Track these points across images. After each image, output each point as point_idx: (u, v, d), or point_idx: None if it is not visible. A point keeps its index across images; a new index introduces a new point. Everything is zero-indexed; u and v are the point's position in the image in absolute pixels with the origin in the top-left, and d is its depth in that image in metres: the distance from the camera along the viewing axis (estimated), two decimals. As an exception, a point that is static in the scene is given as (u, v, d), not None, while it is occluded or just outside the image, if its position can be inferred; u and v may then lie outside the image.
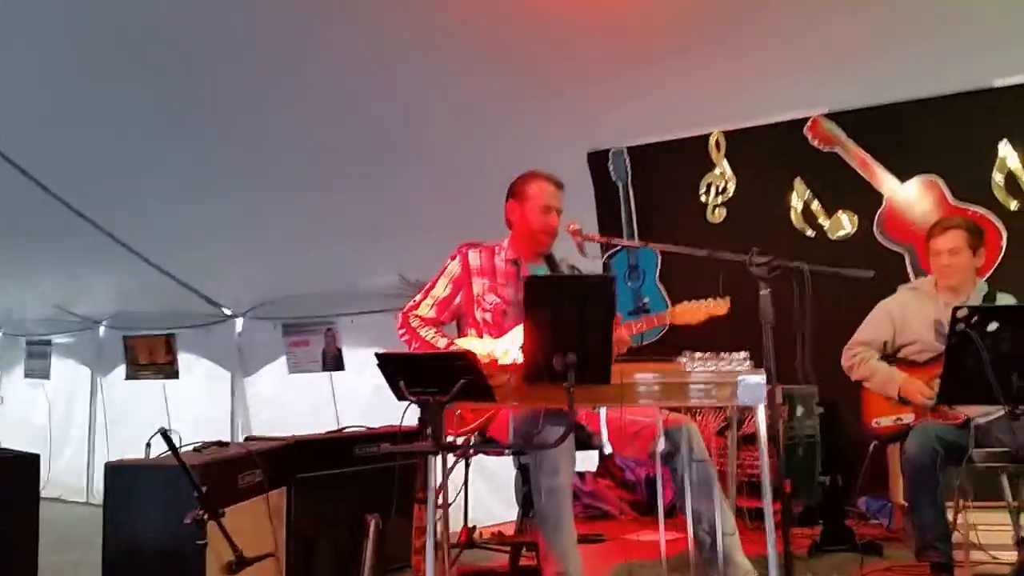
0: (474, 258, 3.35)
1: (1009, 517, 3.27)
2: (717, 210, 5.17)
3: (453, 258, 3.40)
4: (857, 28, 4.49)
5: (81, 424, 8.61)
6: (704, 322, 2.94)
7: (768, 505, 2.47)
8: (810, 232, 4.91)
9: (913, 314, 3.64)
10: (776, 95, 4.91)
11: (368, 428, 3.68)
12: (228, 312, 7.90)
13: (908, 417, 3.48)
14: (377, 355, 2.50)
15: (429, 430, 2.48)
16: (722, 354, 2.55)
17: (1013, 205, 4.38)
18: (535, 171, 3.40)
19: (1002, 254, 4.35)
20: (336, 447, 3.46)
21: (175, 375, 8.25)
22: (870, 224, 4.77)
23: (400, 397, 2.52)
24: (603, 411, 2.81)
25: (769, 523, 2.45)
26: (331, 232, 6.70)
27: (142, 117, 5.67)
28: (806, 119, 4.93)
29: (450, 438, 3.13)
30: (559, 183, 3.35)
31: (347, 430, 3.65)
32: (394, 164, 5.90)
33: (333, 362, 7.69)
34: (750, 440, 4.29)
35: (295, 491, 3.26)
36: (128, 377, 8.33)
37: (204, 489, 2.52)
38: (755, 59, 4.73)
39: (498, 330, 3.22)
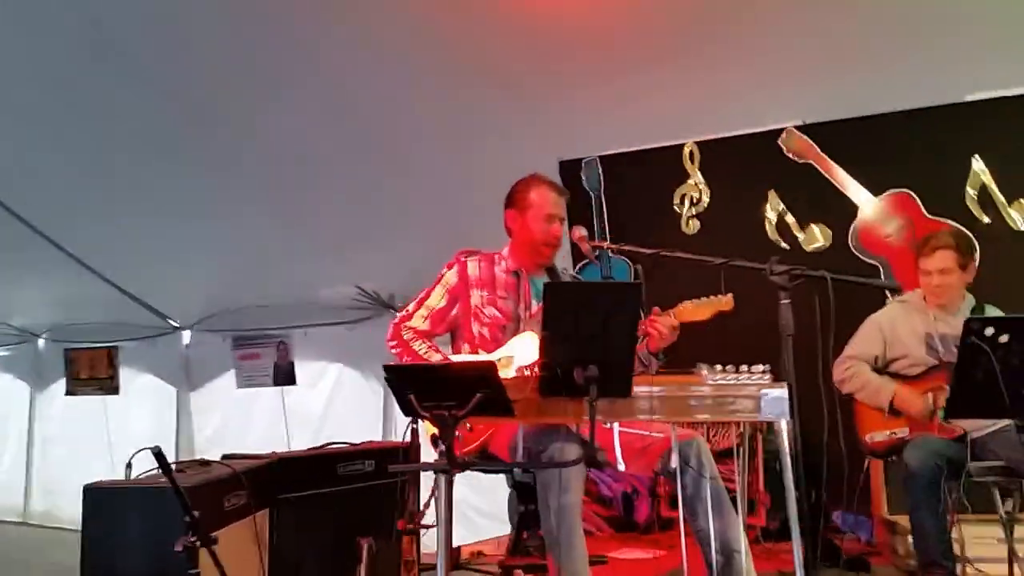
0: (472, 267, 3.20)
1: (999, 530, 3.29)
2: (691, 221, 5.13)
3: (450, 267, 3.23)
4: (831, 42, 4.52)
5: (17, 441, 8.18)
6: (711, 319, 2.85)
7: (795, 523, 2.39)
8: (784, 244, 4.90)
9: (903, 328, 3.63)
10: (750, 107, 4.91)
11: (350, 445, 3.50)
12: (175, 324, 7.60)
13: (902, 431, 3.47)
14: (385, 367, 2.35)
15: (442, 447, 2.34)
16: (741, 366, 2.48)
17: (986, 219, 4.43)
18: (535, 176, 3.25)
19: (976, 267, 4.38)
20: (319, 465, 3.27)
21: (115, 390, 7.90)
22: (844, 236, 4.78)
23: (409, 412, 2.38)
24: (616, 426, 2.71)
25: (796, 542, 2.37)
26: (286, 242, 6.50)
27: (85, 121, 5.43)
28: (780, 131, 4.93)
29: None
30: (561, 189, 3.22)
31: (329, 447, 3.46)
32: (356, 173, 5.74)
33: (285, 376, 7.46)
34: (726, 455, 4.28)
35: (278, 512, 3.07)
36: (68, 392, 7.94)
37: (197, 514, 2.33)
38: (729, 71, 4.72)
39: (495, 346, 3.08)
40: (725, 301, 2.80)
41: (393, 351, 3.17)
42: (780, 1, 4.46)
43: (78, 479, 7.94)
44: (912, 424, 3.46)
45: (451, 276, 3.20)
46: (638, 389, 2.39)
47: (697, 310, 2.82)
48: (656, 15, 4.63)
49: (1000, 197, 4.41)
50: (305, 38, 4.80)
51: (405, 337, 3.14)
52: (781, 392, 2.41)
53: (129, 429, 7.71)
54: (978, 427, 3.30)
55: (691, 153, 5.16)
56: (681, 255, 2.95)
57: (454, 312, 3.17)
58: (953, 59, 4.39)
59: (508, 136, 5.22)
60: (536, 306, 3.16)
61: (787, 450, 2.42)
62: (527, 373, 2.93)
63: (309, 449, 3.43)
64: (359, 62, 4.91)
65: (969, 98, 4.50)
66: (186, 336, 7.61)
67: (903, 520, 3.72)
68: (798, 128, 4.91)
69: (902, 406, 3.47)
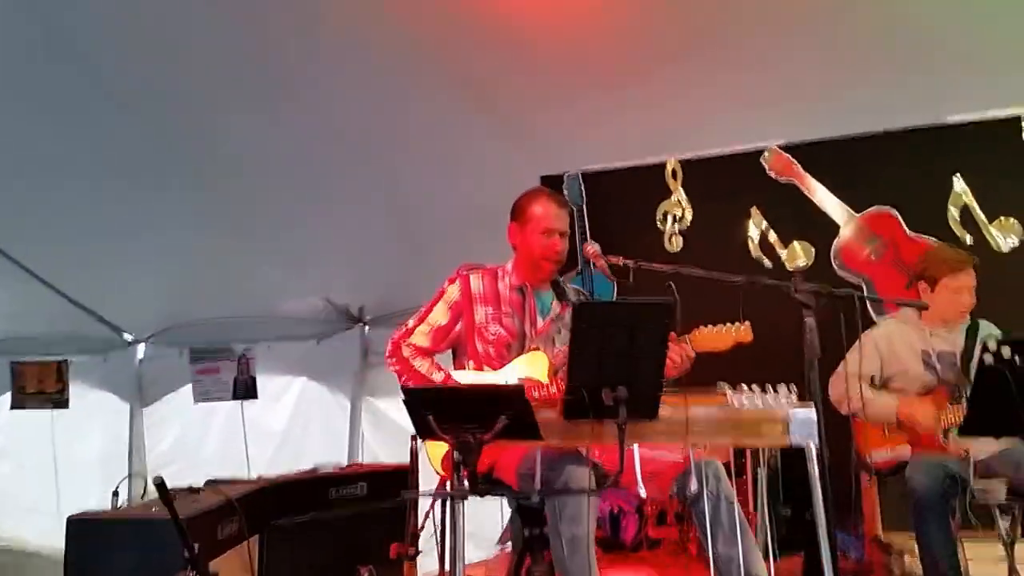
0: (476, 283, 3.08)
1: (998, 549, 3.29)
2: (674, 238, 5.09)
3: (452, 281, 3.10)
4: (815, 62, 4.55)
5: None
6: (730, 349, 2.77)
7: (826, 551, 2.32)
8: (767, 262, 4.89)
9: (900, 344, 3.62)
10: (733, 125, 4.90)
11: (340, 467, 3.36)
12: (129, 337, 7.31)
13: (904, 449, 3.43)
14: (404, 389, 2.24)
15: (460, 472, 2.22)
16: (766, 386, 2.41)
17: (968, 238, 4.46)
18: (538, 189, 3.20)
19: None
20: (311, 489, 3.12)
21: (64, 404, 7.56)
22: (827, 254, 4.79)
23: (427, 435, 2.26)
24: (636, 448, 2.61)
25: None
26: (250, 254, 6.28)
27: (39, 130, 5.18)
28: (763, 150, 4.93)
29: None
30: (564, 202, 3.14)
31: (319, 470, 3.30)
32: (329, 185, 5.58)
33: (245, 391, 7.22)
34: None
35: (270, 539, 2.91)
36: (14, 406, 7.56)
37: (197, 547, 2.17)
38: (712, 90, 4.72)
39: (500, 363, 2.98)
40: (744, 331, 2.72)
41: (392, 369, 3.04)
42: (764, 21, 4.47)
43: (21, 496, 7.58)
44: (914, 442, 3.43)
45: (454, 291, 3.08)
46: (664, 411, 2.30)
47: (715, 340, 2.74)
48: (639, 33, 4.62)
49: (981, 216, 4.46)
50: (280, 49, 4.67)
51: (405, 354, 3.01)
52: (809, 414, 2.34)
53: (79, 445, 7.40)
54: (982, 448, 3.29)
55: (674, 171, 5.13)
56: (700, 273, 2.86)
57: (457, 329, 3.05)
58: (935, 81, 4.44)
59: (488, 151, 5.15)
60: (542, 322, 3.07)
61: (816, 474, 2.35)
62: (535, 395, 2.83)
63: (299, 473, 3.27)
64: (335, 73, 4.78)
65: (951, 120, 4.54)
66: (141, 350, 7.33)
67: (898, 539, 3.72)
68: (780, 147, 4.90)
69: (909, 418, 3.43)
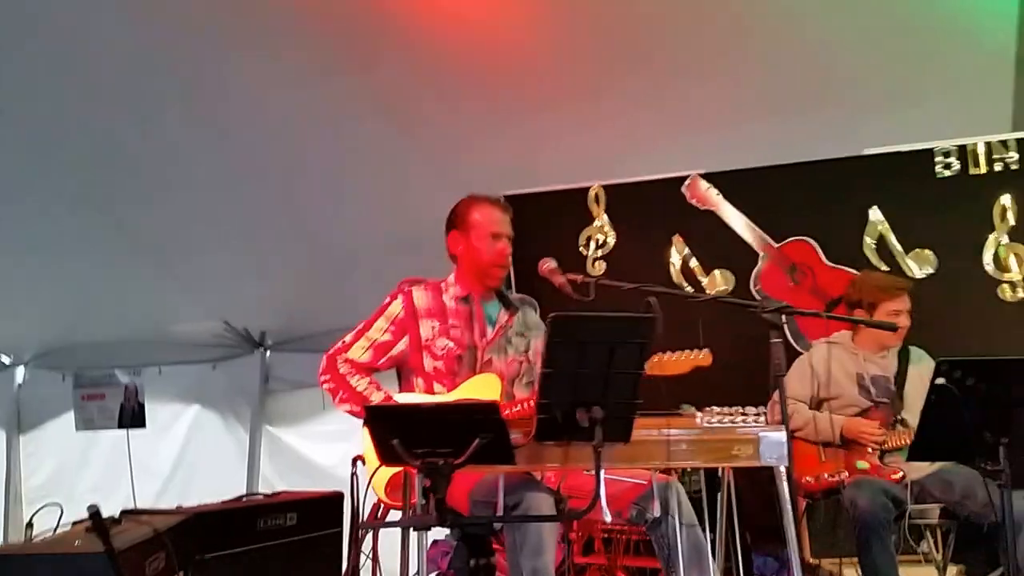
0: (420, 297, 2.94)
1: (928, 570, 3.35)
2: (597, 263, 5.06)
3: (394, 297, 2.95)
4: (736, 94, 4.66)
5: None
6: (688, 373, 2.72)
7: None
8: (689, 288, 4.90)
9: (835, 368, 3.66)
10: (657, 153, 4.94)
11: (266, 496, 3.13)
12: (7, 360, 6.79)
13: (841, 474, 3.46)
14: (368, 408, 2.07)
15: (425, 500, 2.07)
16: (736, 407, 2.36)
17: (884, 267, 4.57)
18: (476, 195, 3.09)
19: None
20: (238, 520, 2.88)
21: (-73, 434, 6.93)
22: (747, 282, 4.83)
23: (391, 460, 2.09)
24: (603, 473, 2.50)
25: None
26: (141, 274, 5.91)
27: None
28: (685, 177, 4.96)
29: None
30: (505, 207, 3.07)
31: (247, 499, 3.07)
32: (230, 204, 5.29)
33: (132, 418, 6.80)
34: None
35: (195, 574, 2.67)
36: None
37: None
38: (636, 117, 4.78)
39: (452, 379, 2.84)
40: (703, 357, 2.69)
41: (325, 387, 2.85)
42: (688, 53, 4.56)
43: None
44: (850, 467, 3.46)
45: (396, 307, 2.93)
46: (637, 433, 2.22)
47: (673, 365, 2.69)
48: (563, 60, 4.64)
49: (898, 247, 4.57)
50: (184, 63, 4.43)
51: (342, 371, 2.82)
52: (780, 435, 2.31)
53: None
54: (916, 469, 3.34)
55: (597, 196, 5.11)
56: (664, 291, 2.79)
57: (401, 347, 2.89)
58: (853, 114, 4.61)
59: (405, 174, 5.05)
60: (491, 332, 2.95)
61: (787, 496, 2.31)
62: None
63: (225, 502, 3.03)
64: (243, 89, 4.59)
65: (867, 152, 4.68)
66: (19, 374, 6.82)
67: (828, 564, 3.73)
68: (701, 175, 4.95)
69: (857, 436, 3.46)
